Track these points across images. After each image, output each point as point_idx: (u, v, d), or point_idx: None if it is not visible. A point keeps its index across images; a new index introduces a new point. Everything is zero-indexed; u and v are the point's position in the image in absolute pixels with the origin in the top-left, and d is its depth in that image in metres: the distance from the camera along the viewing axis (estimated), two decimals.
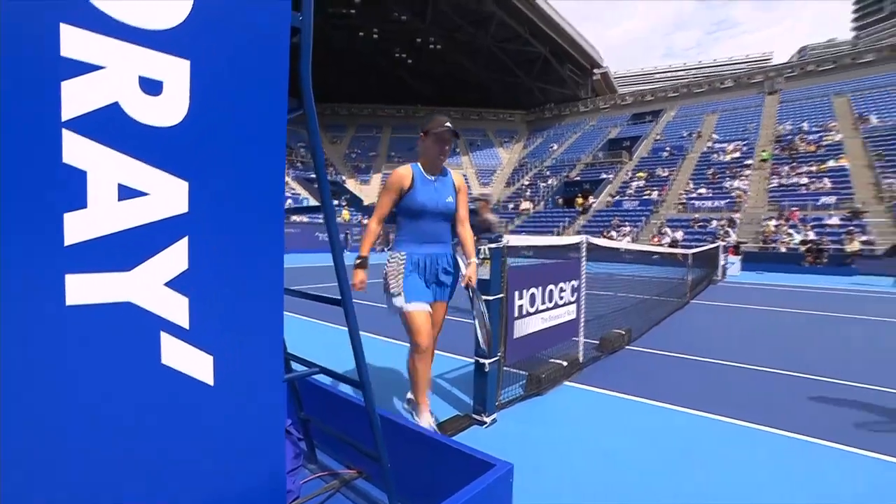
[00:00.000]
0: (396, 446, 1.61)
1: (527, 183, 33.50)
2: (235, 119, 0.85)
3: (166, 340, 0.78)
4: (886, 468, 2.17)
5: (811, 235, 17.60)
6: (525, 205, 29.88)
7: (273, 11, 0.90)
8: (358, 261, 2.29)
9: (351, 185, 34.50)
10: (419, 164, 2.37)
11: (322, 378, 1.84)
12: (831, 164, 22.27)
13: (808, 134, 25.66)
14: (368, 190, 34.30)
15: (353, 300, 1.34)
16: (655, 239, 20.18)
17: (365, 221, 27.20)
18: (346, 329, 1.27)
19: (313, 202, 26.96)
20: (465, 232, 2.53)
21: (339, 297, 1.33)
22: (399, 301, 2.23)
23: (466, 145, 41.95)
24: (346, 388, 2.49)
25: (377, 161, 38.65)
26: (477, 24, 34.88)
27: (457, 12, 34.04)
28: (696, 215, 22.00)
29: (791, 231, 18.42)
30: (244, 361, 0.87)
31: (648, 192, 25.68)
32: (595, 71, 42.57)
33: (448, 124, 2.27)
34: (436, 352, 4.05)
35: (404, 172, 2.28)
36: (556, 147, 37.73)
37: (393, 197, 2.28)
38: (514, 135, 44.05)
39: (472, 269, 2.40)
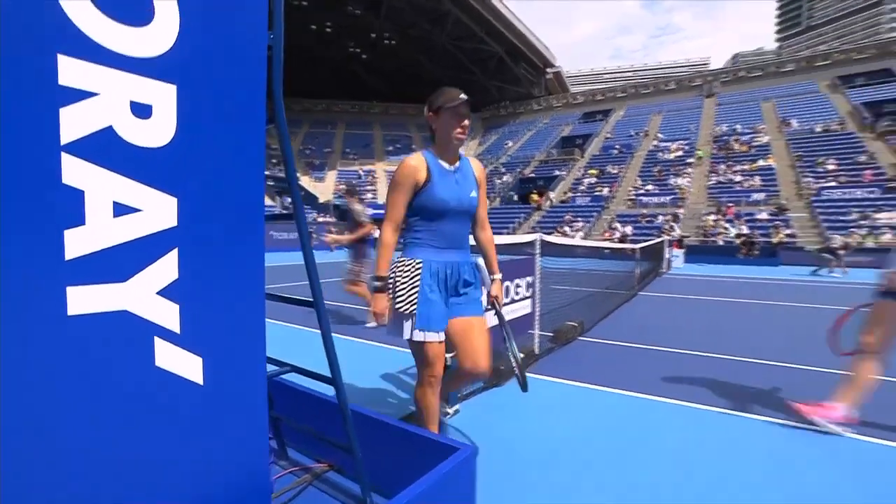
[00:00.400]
0: (365, 437, 1.70)
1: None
2: (218, 136, 0.92)
3: (159, 344, 0.85)
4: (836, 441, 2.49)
5: (745, 229, 19.01)
6: None
7: (251, 34, 0.98)
8: (378, 283, 1.83)
9: (305, 182, 33.74)
10: (431, 151, 1.91)
11: (290, 377, 1.90)
12: (761, 163, 24.09)
13: (741, 135, 27.58)
14: (323, 187, 33.71)
15: (325, 301, 1.42)
16: (607, 234, 21.11)
17: (320, 219, 26.71)
18: (307, 330, 1.36)
19: (268, 201, 26.18)
20: (488, 237, 2.13)
21: (311, 299, 1.41)
22: (409, 325, 1.83)
23: (422, 142, 41.98)
24: (315, 386, 2.54)
25: (332, 158, 38.01)
26: (433, 22, 34.98)
27: (412, 8, 33.98)
28: (644, 211, 23.20)
29: (727, 225, 19.80)
30: (230, 361, 0.94)
31: (600, 188, 26.78)
32: (548, 70, 43.73)
33: (463, 96, 1.82)
34: (392, 347, 4.17)
35: (416, 164, 1.82)
36: (510, 144, 38.50)
37: (408, 195, 1.82)
38: (470, 132, 44.41)
39: (498, 288, 2.12)
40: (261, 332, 1.00)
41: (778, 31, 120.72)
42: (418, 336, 1.82)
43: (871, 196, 19.19)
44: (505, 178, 32.55)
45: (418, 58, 40.48)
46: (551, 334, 4.43)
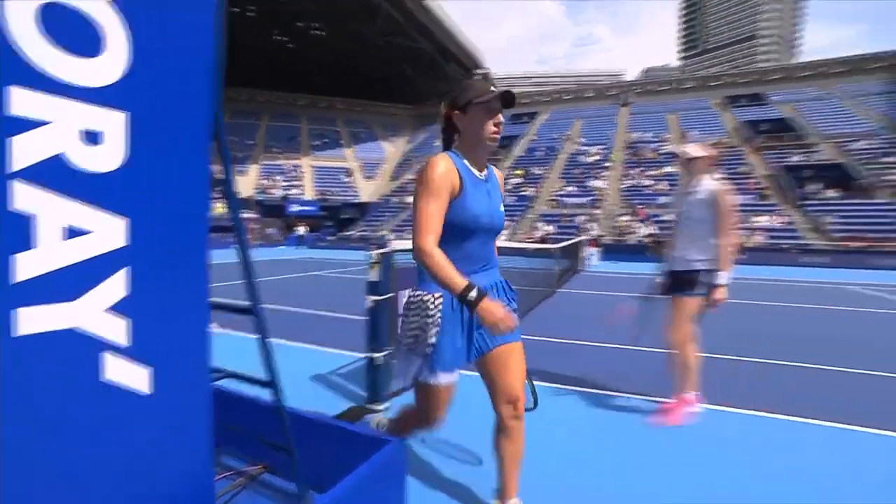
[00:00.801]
0: (300, 436, 1.77)
1: (411, 177, 34.16)
2: (167, 159, 0.97)
3: (107, 358, 0.89)
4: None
5: (654, 230, 20.91)
6: (410, 199, 30.56)
7: (197, 60, 1.04)
8: (473, 293, 1.38)
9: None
10: (458, 153, 1.59)
11: (221, 383, 1.92)
12: (667, 169, 26.58)
13: (650, 143, 30.21)
14: (245, 182, 31.92)
15: (262, 305, 1.48)
16: (530, 233, 22.18)
17: (246, 215, 25.29)
18: (236, 335, 1.42)
19: None
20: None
21: (248, 304, 1.47)
22: (418, 366, 1.59)
23: (350, 137, 41.17)
24: (248, 390, 2.53)
25: (255, 151, 36.07)
26: (363, 14, 34.31)
27: None
28: (565, 211, 24.66)
29: (638, 225, 21.65)
30: (178, 370, 1.01)
31: (525, 188, 28.00)
32: (477, 71, 44.73)
33: (494, 88, 1.53)
34: (326, 349, 4.19)
35: (449, 165, 1.49)
36: (439, 143, 38.88)
37: (446, 202, 1.48)
38: (399, 129, 44.38)
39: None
40: (206, 341, 1.07)
41: (680, 51, 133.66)
42: (427, 378, 1.58)
43: (751, 202, 21.99)
44: None
45: (348, 51, 39.55)
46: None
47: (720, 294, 2.72)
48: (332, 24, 36.35)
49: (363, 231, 27.39)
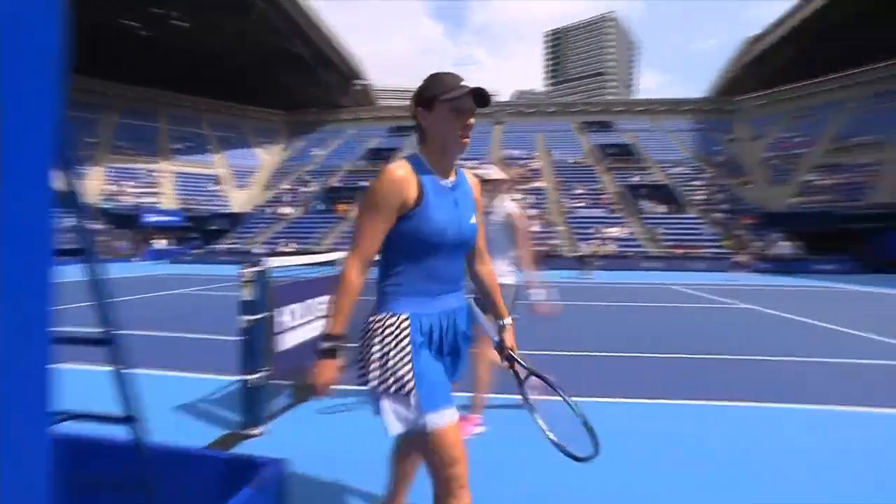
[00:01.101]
0: (168, 471, 1.64)
1: (287, 187, 32.59)
2: (9, 187, 0.88)
3: None
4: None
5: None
6: (285, 210, 29.10)
7: (40, 61, 0.95)
8: (327, 345, 1.30)
9: (58, 178, 26.77)
10: (421, 157, 1.39)
11: (68, 427, 1.69)
12: (536, 184, 29.34)
13: (520, 159, 33.03)
14: (86, 187, 27.32)
15: (123, 332, 1.37)
16: None
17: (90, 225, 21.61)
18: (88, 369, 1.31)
19: None
20: (489, 271, 1.61)
21: (102, 336, 1.34)
22: (407, 409, 1.29)
23: (218, 142, 37.82)
24: (105, 431, 2.23)
25: (98, 150, 31.13)
26: (233, 9, 31.89)
27: None
28: None
29: None
30: (9, 421, 0.90)
31: None
32: (356, 82, 44.48)
33: (465, 83, 1.32)
34: (194, 375, 3.83)
35: (403, 176, 1.31)
36: (317, 152, 37.81)
37: (390, 219, 1.31)
38: (274, 135, 42.06)
39: (510, 336, 1.56)
40: (46, 381, 0.97)
41: (545, 78, 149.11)
42: (432, 422, 1.27)
43: (603, 215, 25.40)
44: (311, 186, 31.87)
45: (216, 47, 36.28)
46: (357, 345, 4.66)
47: (541, 310, 3.01)
48: (196, 16, 33.09)
49: (234, 244, 25.25)
